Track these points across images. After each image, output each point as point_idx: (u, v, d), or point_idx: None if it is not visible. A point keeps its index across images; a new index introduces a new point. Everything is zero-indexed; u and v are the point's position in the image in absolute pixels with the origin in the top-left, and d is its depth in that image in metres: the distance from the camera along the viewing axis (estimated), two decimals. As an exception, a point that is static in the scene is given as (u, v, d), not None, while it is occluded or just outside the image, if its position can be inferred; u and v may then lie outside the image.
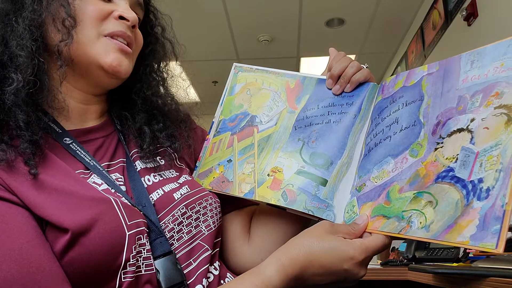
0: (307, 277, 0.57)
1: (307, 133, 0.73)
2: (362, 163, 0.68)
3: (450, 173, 0.52)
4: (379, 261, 1.80)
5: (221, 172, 0.75)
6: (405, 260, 1.48)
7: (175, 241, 0.64)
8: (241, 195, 0.72)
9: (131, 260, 0.55)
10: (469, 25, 2.59)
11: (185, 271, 0.63)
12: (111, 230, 0.54)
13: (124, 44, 0.67)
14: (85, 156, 0.63)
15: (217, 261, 0.70)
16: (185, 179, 0.72)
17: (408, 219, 0.55)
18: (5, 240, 0.50)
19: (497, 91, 0.52)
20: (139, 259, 0.57)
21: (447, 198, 0.51)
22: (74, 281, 0.53)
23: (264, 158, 0.74)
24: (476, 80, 0.55)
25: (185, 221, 0.66)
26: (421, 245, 1.47)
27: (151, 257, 0.59)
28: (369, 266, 1.71)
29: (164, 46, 0.81)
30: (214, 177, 0.75)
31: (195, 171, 0.78)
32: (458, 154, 0.52)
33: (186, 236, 0.65)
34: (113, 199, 0.57)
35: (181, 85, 0.83)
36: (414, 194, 0.56)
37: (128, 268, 0.55)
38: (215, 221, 0.70)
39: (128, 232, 0.56)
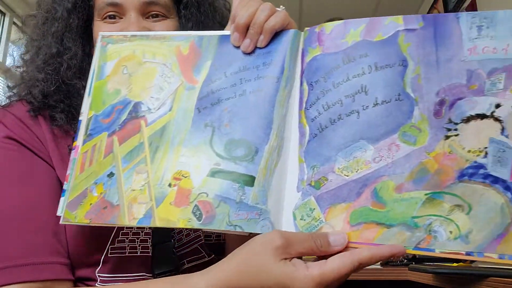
0: None
1: (217, 114, 0.52)
2: (311, 147, 0.49)
3: (481, 171, 0.45)
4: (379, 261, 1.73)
5: (101, 194, 0.52)
6: (405, 260, 1.43)
7: (175, 241, 0.65)
8: (133, 224, 0.49)
9: (120, 236, 0.60)
10: None
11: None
12: None
13: None
14: None
15: None
16: None
17: (427, 227, 0.44)
18: (26, 188, 0.57)
19: None
20: (136, 239, 0.61)
21: (485, 201, 0.44)
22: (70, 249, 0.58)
23: (161, 162, 0.52)
24: (491, 54, 0.47)
25: None
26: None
27: (149, 240, 0.62)
28: (369, 266, 1.58)
29: (213, 12, 0.76)
30: (91, 204, 0.52)
31: (62, 199, 0.54)
32: (486, 148, 0.45)
33: (185, 238, 0.66)
34: None
35: None
36: (426, 195, 0.45)
37: (116, 244, 0.60)
38: (213, 234, 0.69)
39: None
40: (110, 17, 0.69)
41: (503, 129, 0.45)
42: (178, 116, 0.54)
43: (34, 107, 0.64)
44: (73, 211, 0.52)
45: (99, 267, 0.59)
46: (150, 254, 0.62)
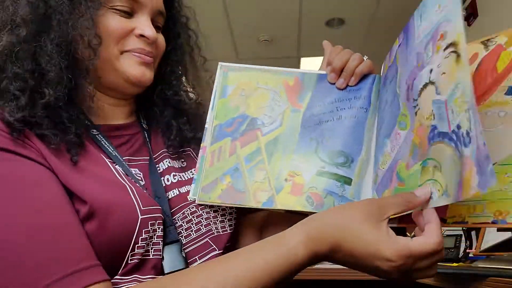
0: (335, 259, 0.53)
1: (319, 131, 0.72)
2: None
3: (436, 131, 0.50)
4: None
5: (229, 182, 0.70)
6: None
7: (183, 238, 0.68)
8: (259, 206, 0.68)
9: (140, 243, 0.61)
10: (469, 25, 2.64)
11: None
12: (125, 211, 0.60)
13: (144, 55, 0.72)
14: (109, 147, 0.69)
15: None
16: None
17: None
18: (41, 194, 0.57)
19: (441, 33, 0.51)
20: (149, 243, 0.62)
21: (444, 156, 0.49)
22: None
23: (276, 163, 0.71)
24: (425, 31, 0.56)
25: (194, 219, 0.70)
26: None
27: (161, 243, 0.64)
28: None
29: (188, 38, 0.83)
30: (222, 189, 0.70)
31: (195, 186, 0.72)
32: (432, 110, 0.51)
33: (194, 234, 0.69)
34: (129, 186, 0.63)
35: (203, 77, 0.86)
36: (420, 165, 0.54)
37: (136, 250, 0.60)
38: (226, 226, 0.73)
39: (141, 216, 0.61)
40: (124, 11, 0.69)
41: (436, 88, 0.50)
42: (287, 131, 0.73)
43: (14, 128, 0.59)
44: (207, 194, 0.70)
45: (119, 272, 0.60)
46: (161, 257, 0.63)
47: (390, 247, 0.50)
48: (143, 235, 0.60)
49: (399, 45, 0.66)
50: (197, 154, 0.78)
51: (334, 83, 0.75)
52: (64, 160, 0.61)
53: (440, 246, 0.50)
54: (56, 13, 0.64)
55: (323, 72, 0.77)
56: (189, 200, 0.71)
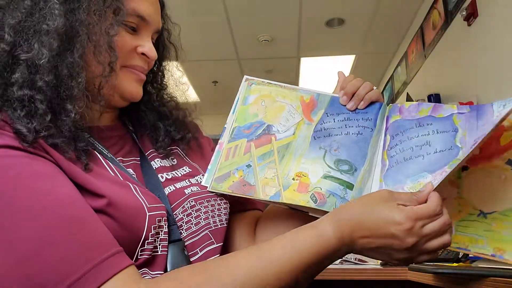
0: (356, 240, 0.60)
1: (328, 142, 0.79)
2: (389, 173, 0.75)
3: None
4: (379, 261, 1.75)
5: (241, 176, 0.77)
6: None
7: (184, 230, 0.71)
8: (266, 198, 0.74)
9: (149, 238, 0.63)
10: (469, 25, 2.65)
11: (191, 259, 0.69)
12: (134, 208, 0.63)
13: (141, 73, 0.76)
14: (103, 149, 0.72)
15: None
16: (197, 181, 0.79)
17: None
18: (54, 188, 0.58)
19: None
20: (157, 239, 0.65)
21: None
22: None
23: (286, 164, 0.77)
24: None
25: (194, 213, 0.73)
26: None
27: (167, 239, 0.67)
28: (368, 266, 1.59)
29: (168, 50, 0.88)
30: (233, 181, 0.76)
31: (208, 175, 0.78)
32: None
33: (195, 227, 0.72)
34: (131, 185, 0.66)
35: (182, 89, 0.91)
36: None
37: (146, 245, 0.63)
38: (223, 219, 0.76)
39: (148, 212, 0.64)
40: (131, 27, 0.71)
41: None
42: (299, 139, 0.81)
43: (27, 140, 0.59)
44: (219, 184, 0.76)
45: None
46: (166, 253, 0.66)
47: (398, 211, 0.60)
48: (152, 231, 0.63)
49: (459, 112, 0.76)
50: (185, 154, 0.85)
51: (345, 105, 0.84)
52: (76, 165, 0.63)
53: (439, 208, 0.60)
54: (83, 27, 0.65)
55: (336, 95, 0.86)
56: (186, 194, 0.74)
